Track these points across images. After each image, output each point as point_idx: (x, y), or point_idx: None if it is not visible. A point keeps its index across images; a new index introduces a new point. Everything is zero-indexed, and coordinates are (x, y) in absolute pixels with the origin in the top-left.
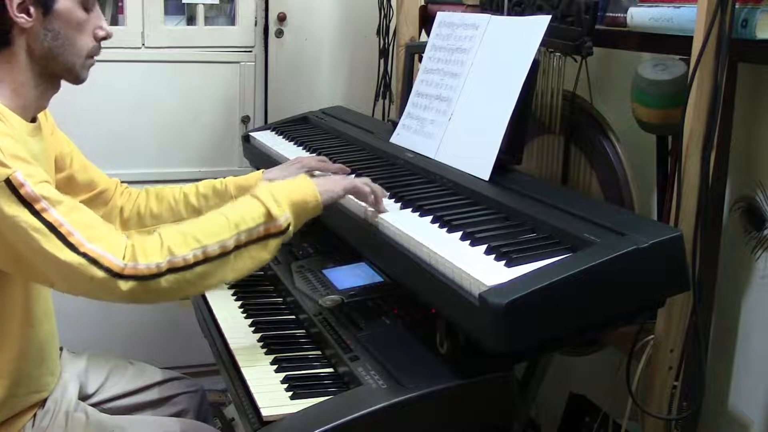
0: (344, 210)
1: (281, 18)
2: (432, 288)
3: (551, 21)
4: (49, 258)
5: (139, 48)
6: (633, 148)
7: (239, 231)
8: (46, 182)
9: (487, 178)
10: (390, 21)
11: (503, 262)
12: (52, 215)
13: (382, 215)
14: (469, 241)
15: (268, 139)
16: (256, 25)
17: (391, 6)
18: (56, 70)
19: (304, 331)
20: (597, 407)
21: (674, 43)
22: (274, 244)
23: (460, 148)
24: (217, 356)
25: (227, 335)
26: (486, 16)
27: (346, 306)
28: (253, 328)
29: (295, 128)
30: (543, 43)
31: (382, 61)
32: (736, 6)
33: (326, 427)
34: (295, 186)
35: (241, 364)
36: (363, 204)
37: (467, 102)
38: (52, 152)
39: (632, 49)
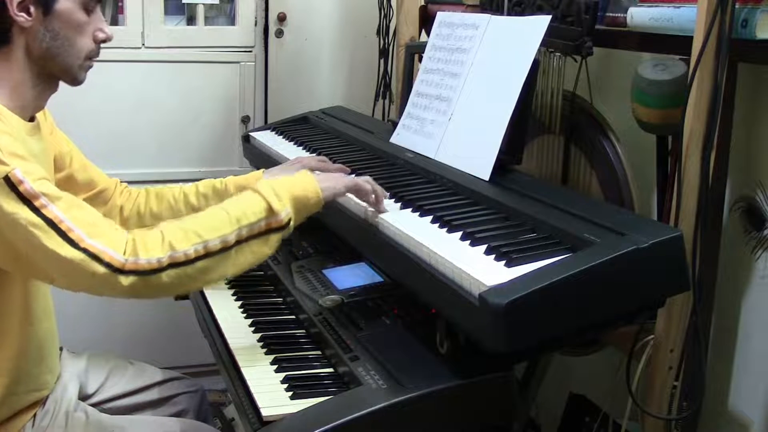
0: (344, 210)
1: (281, 18)
2: (432, 288)
3: (551, 21)
4: (50, 254)
5: (139, 48)
6: (633, 148)
7: (240, 226)
8: (45, 179)
9: (487, 178)
10: (390, 21)
11: (503, 262)
12: (52, 211)
13: (382, 215)
14: (469, 241)
15: (268, 139)
16: (256, 25)
17: (391, 6)
18: (54, 70)
19: (304, 331)
20: (597, 407)
21: (674, 43)
22: (275, 238)
23: (460, 148)
24: (217, 356)
25: (227, 335)
26: (486, 16)
27: (346, 306)
28: (253, 328)
29: (295, 128)
30: (543, 43)
31: (382, 61)
32: (736, 6)
33: (326, 427)
34: (296, 181)
35: (241, 364)
36: (363, 204)
37: (467, 102)
38: (51, 152)
39: (632, 49)
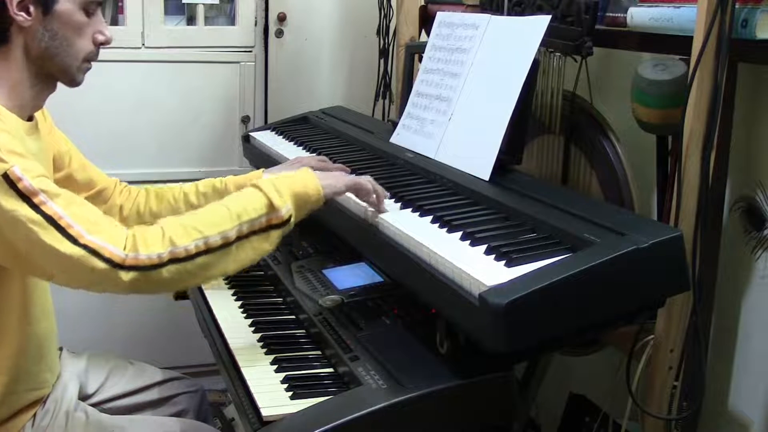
0: (344, 210)
1: (281, 18)
2: (432, 288)
3: (551, 21)
4: (49, 251)
5: (139, 48)
6: (633, 148)
7: (241, 222)
8: (44, 176)
9: (487, 178)
10: (390, 21)
11: (503, 262)
12: (51, 208)
13: (382, 215)
14: (469, 241)
15: (268, 139)
16: (256, 25)
17: (391, 6)
18: (52, 70)
19: (304, 331)
20: (597, 407)
21: (674, 43)
22: (275, 235)
23: (460, 148)
24: (217, 356)
25: (227, 335)
26: (486, 16)
27: (346, 306)
28: (253, 328)
29: (295, 128)
30: (543, 43)
31: (382, 61)
32: (736, 6)
33: (326, 427)
34: (297, 178)
35: (241, 364)
36: (363, 204)
37: (467, 102)
38: (50, 151)
39: (632, 49)
